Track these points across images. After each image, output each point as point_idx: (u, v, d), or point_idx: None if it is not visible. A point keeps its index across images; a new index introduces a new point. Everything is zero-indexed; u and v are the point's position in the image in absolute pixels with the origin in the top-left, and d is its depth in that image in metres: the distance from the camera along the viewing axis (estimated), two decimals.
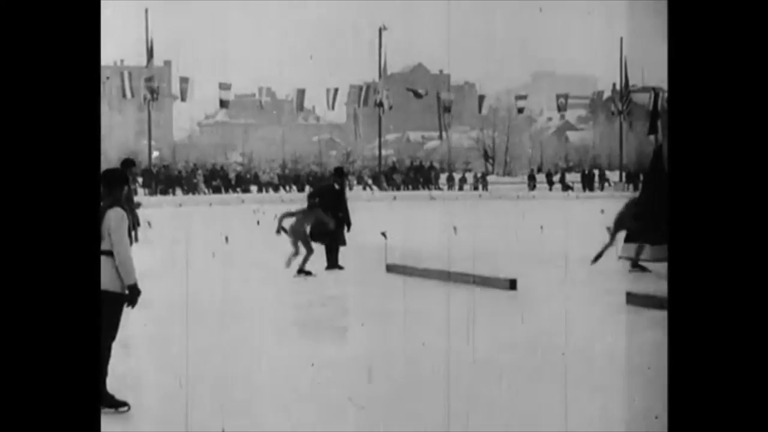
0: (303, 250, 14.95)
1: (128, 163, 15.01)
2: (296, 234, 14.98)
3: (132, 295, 6.73)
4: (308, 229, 15.10)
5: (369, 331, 10.56)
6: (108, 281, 6.51)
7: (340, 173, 16.56)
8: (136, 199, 15.06)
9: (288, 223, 15.06)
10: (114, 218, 6.62)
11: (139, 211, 16.52)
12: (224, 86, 56.03)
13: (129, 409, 6.87)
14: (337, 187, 15.96)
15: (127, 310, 6.86)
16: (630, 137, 61.01)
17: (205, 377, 7.99)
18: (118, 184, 6.85)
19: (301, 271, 14.84)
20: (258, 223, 24.21)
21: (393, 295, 12.91)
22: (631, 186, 50.88)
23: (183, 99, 55.36)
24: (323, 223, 15.21)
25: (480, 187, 58.18)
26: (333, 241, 15.62)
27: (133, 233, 12.80)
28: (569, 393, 7.54)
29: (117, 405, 6.83)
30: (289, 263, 14.87)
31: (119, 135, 78.51)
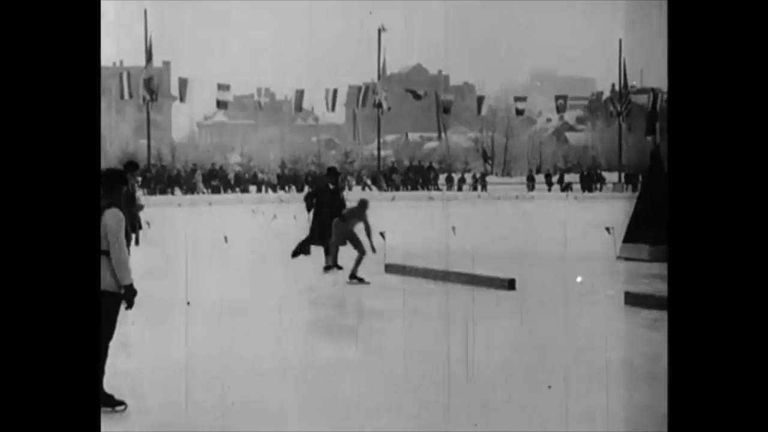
0: (322, 254, 14.56)
1: (131, 166, 14.46)
2: (344, 237, 14.29)
3: (128, 295, 6.73)
4: (354, 229, 14.36)
5: (368, 331, 10.56)
6: (105, 281, 6.51)
7: (333, 173, 16.57)
8: (139, 199, 14.62)
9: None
10: (111, 219, 6.61)
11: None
12: (223, 87, 56.02)
13: (126, 408, 6.86)
14: (332, 186, 15.96)
15: (124, 311, 6.86)
16: (629, 138, 61.04)
17: (205, 377, 7.99)
18: (117, 185, 6.85)
19: (354, 276, 14.05)
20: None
21: (392, 295, 12.91)
22: (630, 187, 50.92)
23: (182, 100, 55.34)
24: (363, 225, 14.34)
25: (479, 187, 58.23)
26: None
27: (134, 236, 12.68)
28: (569, 393, 7.54)
29: (114, 404, 6.83)
30: (327, 267, 14.35)
31: (118, 135, 78.53)
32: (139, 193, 14.67)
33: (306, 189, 50.99)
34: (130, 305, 6.80)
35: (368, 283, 13.72)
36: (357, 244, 14.08)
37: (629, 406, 7.11)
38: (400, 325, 10.68)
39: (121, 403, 6.89)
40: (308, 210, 15.93)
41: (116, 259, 6.62)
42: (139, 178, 50.03)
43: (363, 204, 14.40)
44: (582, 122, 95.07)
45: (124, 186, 7.00)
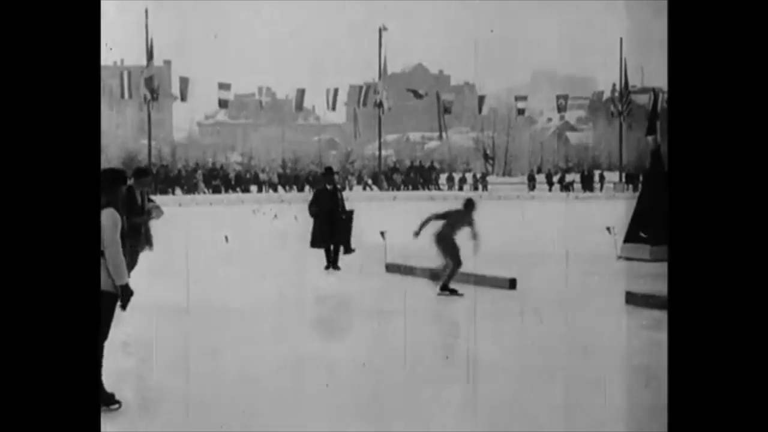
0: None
1: (141, 173, 12.34)
2: (442, 242, 12.40)
3: (123, 295, 6.68)
4: (456, 236, 12.47)
5: (368, 331, 10.55)
6: (100, 281, 6.47)
7: (330, 173, 16.57)
8: (156, 209, 12.15)
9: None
10: (106, 219, 6.58)
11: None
12: (224, 86, 56.09)
13: (120, 407, 6.82)
14: (329, 187, 15.98)
15: (121, 312, 6.82)
16: (630, 138, 61.05)
17: (205, 377, 7.99)
18: (115, 185, 6.81)
19: (446, 288, 12.52)
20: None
21: (392, 295, 12.91)
22: (630, 186, 50.91)
23: (183, 99, 55.37)
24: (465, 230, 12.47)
25: (480, 187, 58.24)
26: (333, 243, 15.68)
27: (139, 247, 11.64)
28: (569, 392, 7.54)
29: (109, 403, 6.78)
30: (438, 278, 12.58)
31: (119, 135, 78.59)
32: (155, 202, 12.33)
33: (307, 189, 51.15)
34: (124, 306, 6.78)
35: (461, 294, 12.36)
36: (454, 254, 12.40)
37: (629, 405, 7.11)
38: (400, 324, 10.67)
39: (116, 402, 6.85)
40: (312, 216, 15.93)
41: (111, 259, 6.57)
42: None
43: (470, 204, 12.60)
44: (583, 122, 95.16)
45: (122, 186, 6.96)
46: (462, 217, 12.42)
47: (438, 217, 12.40)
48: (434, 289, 12.63)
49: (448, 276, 12.42)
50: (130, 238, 11.21)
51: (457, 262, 12.32)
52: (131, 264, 11.36)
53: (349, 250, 15.87)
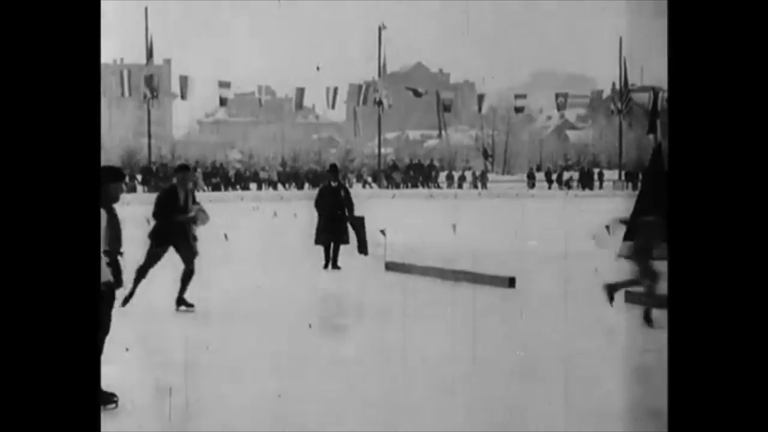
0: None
1: (180, 169, 11.83)
2: (640, 255, 10.49)
3: (107, 292, 6.64)
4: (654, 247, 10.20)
5: (368, 330, 10.56)
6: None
7: (334, 170, 16.62)
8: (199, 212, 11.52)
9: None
10: None
11: (139, 210, 15.40)
12: (224, 84, 56.16)
13: (116, 407, 6.81)
14: (333, 184, 16.03)
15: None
16: (629, 136, 61.10)
17: (205, 376, 7.99)
18: (107, 183, 6.79)
19: (648, 318, 10.23)
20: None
21: (392, 294, 12.91)
22: (629, 185, 50.95)
23: (183, 97, 55.45)
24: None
25: (479, 185, 58.30)
26: (334, 240, 15.70)
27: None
28: (569, 392, 7.54)
29: (107, 402, 6.75)
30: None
31: (119, 133, 78.63)
32: (200, 203, 11.76)
33: (306, 186, 51.20)
34: (106, 303, 6.75)
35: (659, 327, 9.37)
36: (646, 269, 10.27)
37: (629, 405, 7.11)
38: (400, 323, 10.68)
39: (114, 401, 6.83)
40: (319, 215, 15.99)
41: None
42: (139, 176, 49.94)
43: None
44: (582, 120, 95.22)
45: (114, 183, 6.93)
46: (655, 223, 10.28)
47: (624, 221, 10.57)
48: (425, 285, 12.59)
49: (646, 304, 10.31)
50: (173, 237, 11.26)
51: (654, 276, 10.21)
52: (188, 273, 11.31)
53: (364, 250, 15.95)
